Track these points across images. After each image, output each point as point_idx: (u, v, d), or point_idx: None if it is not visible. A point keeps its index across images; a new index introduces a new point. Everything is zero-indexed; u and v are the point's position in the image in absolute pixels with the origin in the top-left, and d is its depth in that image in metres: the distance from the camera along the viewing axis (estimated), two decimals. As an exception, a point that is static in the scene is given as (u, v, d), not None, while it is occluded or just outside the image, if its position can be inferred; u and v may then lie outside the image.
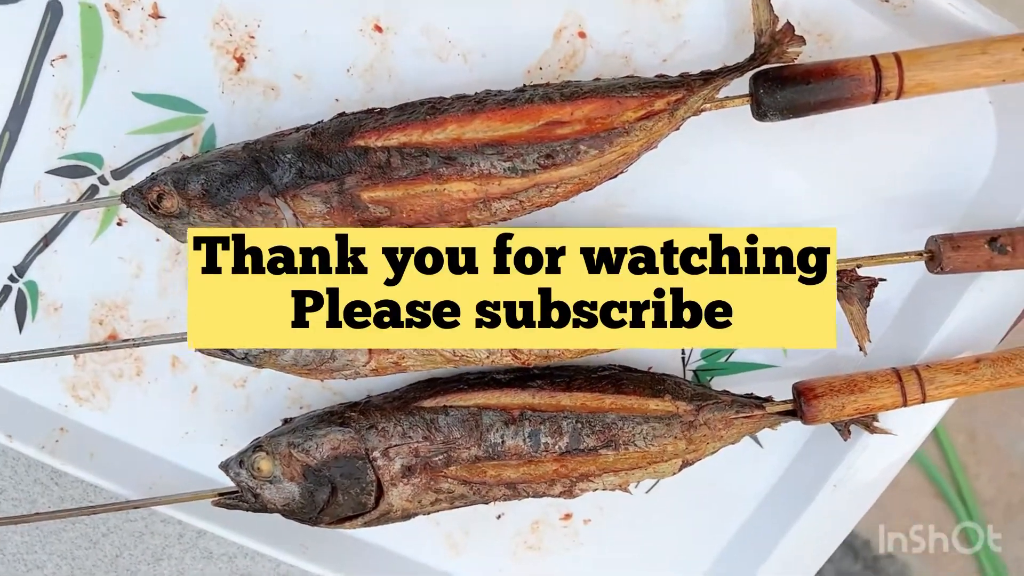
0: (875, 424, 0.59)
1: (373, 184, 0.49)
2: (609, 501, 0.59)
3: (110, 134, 0.57)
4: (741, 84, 0.50)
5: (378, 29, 0.55)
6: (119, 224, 0.60)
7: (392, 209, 0.52)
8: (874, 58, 0.50)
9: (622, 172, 0.51)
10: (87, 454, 0.59)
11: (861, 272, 0.53)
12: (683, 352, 0.62)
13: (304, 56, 0.53)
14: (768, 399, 0.57)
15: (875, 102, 0.50)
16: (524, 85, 0.50)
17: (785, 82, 0.47)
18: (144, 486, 0.61)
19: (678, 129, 0.50)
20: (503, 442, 0.54)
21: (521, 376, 0.55)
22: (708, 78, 0.49)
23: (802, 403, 0.55)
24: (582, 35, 0.55)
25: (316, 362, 0.55)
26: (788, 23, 0.51)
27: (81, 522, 0.68)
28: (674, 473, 0.58)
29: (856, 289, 0.53)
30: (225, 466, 0.55)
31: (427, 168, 0.48)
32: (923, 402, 0.56)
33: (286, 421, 0.57)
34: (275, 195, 0.50)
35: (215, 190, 0.52)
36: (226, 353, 0.53)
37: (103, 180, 0.58)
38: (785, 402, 0.56)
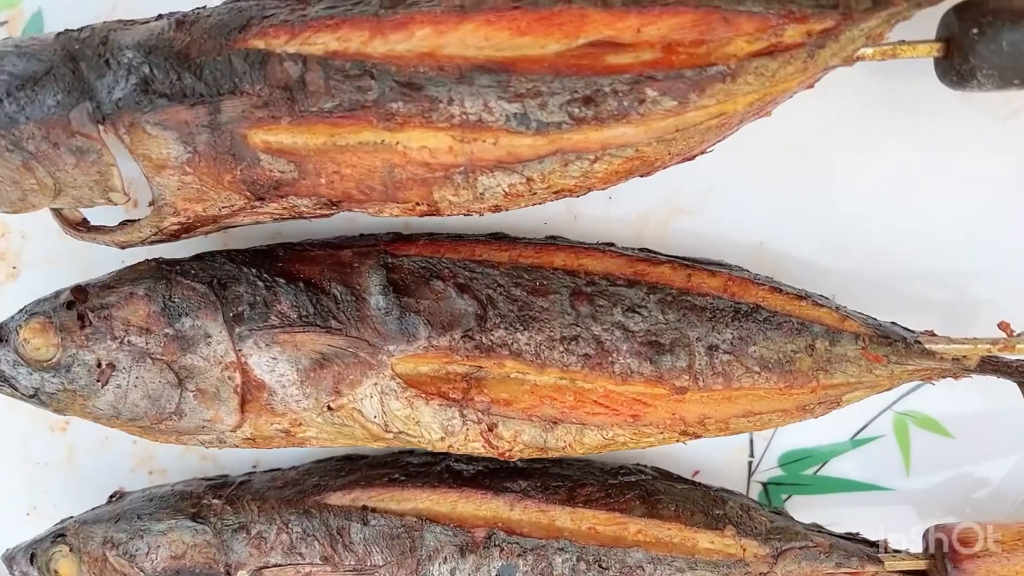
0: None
1: (271, 118, 0.31)
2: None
3: None
4: (926, 22, 0.32)
5: None
6: None
7: (302, 168, 0.31)
8: None
9: (705, 151, 0.29)
10: None
11: None
12: (750, 453, 0.41)
13: None
14: (883, 545, 0.39)
15: None
16: None
17: (1018, 18, 0.28)
18: None
19: (811, 87, 0.29)
20: None
21: (495, 470, 0.39)
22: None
23: (947, 564, 0.37)
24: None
25: (150, 416, 0.34)
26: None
27: None
28: (724, 648, 0.37)
29: None
30: (10, 559, 0.41)
31: (370, 99, 0.31)
32: None
33: (117, 495, 0.42)
34: (98, 120, 0.32)
35: (-7, 99, 0.30)
36: (3, 383, 0.36)
37: None
38: (915, 556, 0.39)
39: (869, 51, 0.31)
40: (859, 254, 0.40)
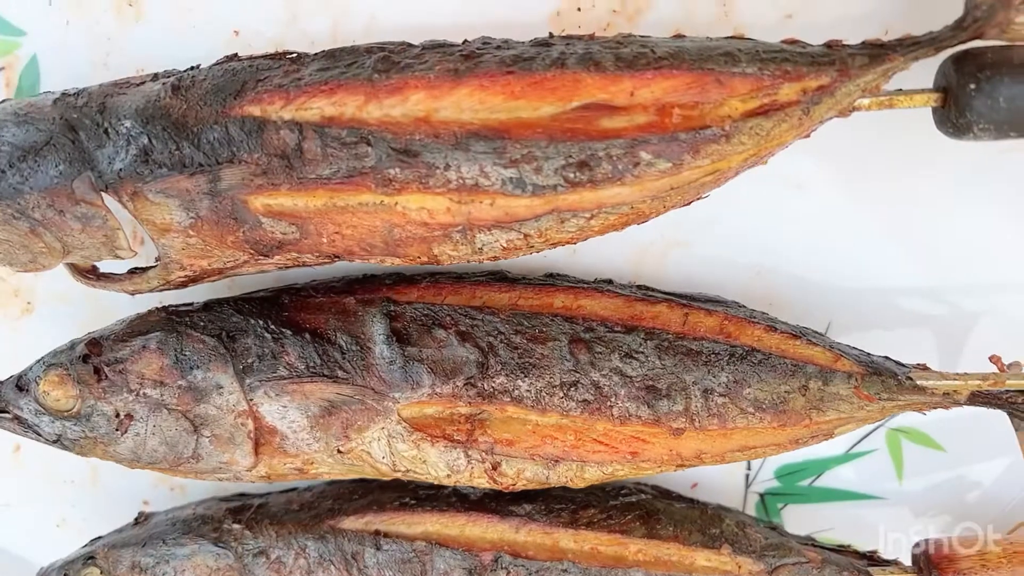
0: (1029, 607, 0.40)
1: (271, 185, 0.32)
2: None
3: None
4: (924, 71, 0.32)
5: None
6: None
7: (303, 229, 0.32)
8: None
9: (701, 198, 0.29)
10: None
11: None
12: (748, 466, 0.42)
13: None
14: (874, 557, 0.41)
15: None
16: (551, 34, 0.32)
17: (1017, 75, 0.26)
18: None
19: (807, 136, 0.28)
20: None
21: (501, 494, 0.40)
22: (876, 54, 0.29)
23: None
24: (655, -41, 0.34)
25: (169, 460, 0.36)
26: (1031, -32, 0.29)
27: None
28: (721, 655, 0.39)
29: None
30: None
31: (368, 166, 0.31)
32: None
33: (141, 517, 0.44)
34: (101, 189, 0.32)
35: (-2, 170, 0.30)
36: (27, 430, 0.38)
37: None
38: (904, 569, 0.40)
39: (866, 101, 0.31)
40: (854, 274, 0.41)
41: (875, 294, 0.41)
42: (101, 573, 0.41)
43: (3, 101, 0.34)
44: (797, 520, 0.45)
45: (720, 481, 0.44)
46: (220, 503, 0.43)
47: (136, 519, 0.44)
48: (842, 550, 0.42)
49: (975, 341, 0.42)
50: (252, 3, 0.36)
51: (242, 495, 0.44)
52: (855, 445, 0.43)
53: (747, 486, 0.44)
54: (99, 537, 0.43)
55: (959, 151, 0.37)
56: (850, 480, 0.45)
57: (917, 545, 0.41)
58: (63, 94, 0.33)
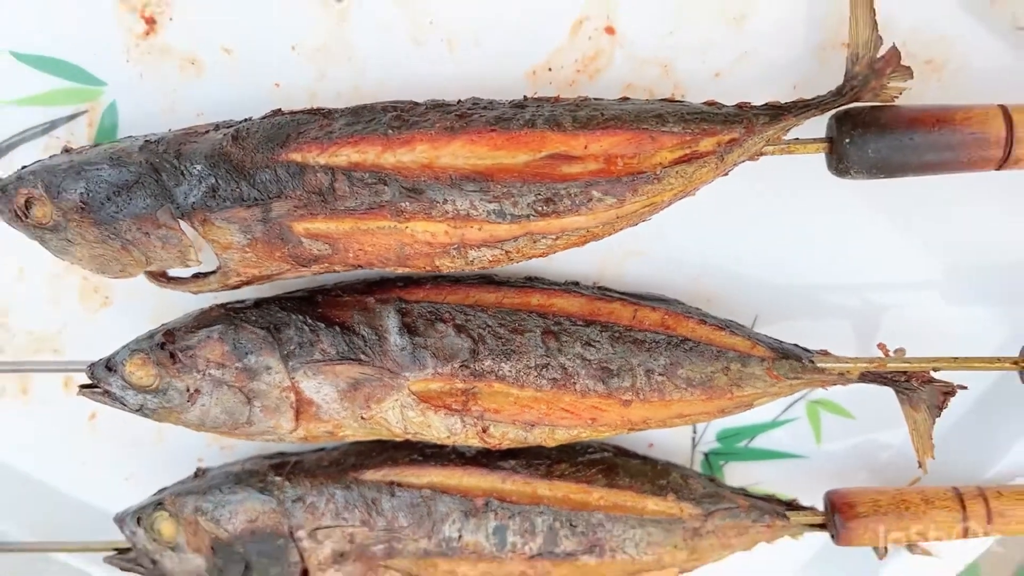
0: (919, 544, 0.48)
1: (310, 214, 0.38)
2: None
3: None
4: (816, 125, 0.40)
5: (336, -4, 0.42)
6: None
7: (335, 247, 0.40)
8: (1005, 109, 0.36)
9: (644, 221, 0.38)
10: (-38, 481, 0.53)
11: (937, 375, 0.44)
12: (694, 430, 0.51)
13: (236, 24, 0.43)
14: (793, 504, 0.50)
15: (998, 169, 0.37)
16: (525, 97, 0.40)
17: (881, 131, 0.36)
18: (30, 520, 0.54)
19: (726, 175, 0.36)
20: (460, 536, 0.47)
21: (491, 452, 0.47)
22: (776, 114, 0.37)
23: (837, 520, 0.46)
24: (610, 31, 0.42)
25: (228, 425, 0.44)
26: (895, 49, 0.37)
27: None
28: (667, 580, 0.48)
29: (926, 395, 0.42)
30: (121, 520, 0.49)
31: (384, 200, 0.38)
32: (986, 536, 0.45)
33: (199, 473, 0.51)
34: (178, 216, 0.40)
35: (99, 203, 0.39)
36: (114, 401, 0.45)
37: None
38: (815, 512, 0.49)
39: (770, 148, 0.39)
40: (777, 274, 0.47)
41: (796, 291, 0.48)
42: (169, 516, 0.47)
43: (96, 145, 0.41)
44: (736, 475, 0.53)
45: (672, 442, 0.52)
46: (264, 460, 0.49)
47: (195, 473, 0.50)
48: (768, 498, 0.49)
49: (883, 329, 0.49)
50: (289, 63, 0.43)
51: (281, 454, 0.50)
52: (782, 413, 0.51)
53: (694, 447, 0.52)
54: (164, 488, 0.49)
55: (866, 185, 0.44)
56: (779, 442, 0.52)
57: (827, 494, 0.50)
58: (146, 141, 0.40)
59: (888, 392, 0.45)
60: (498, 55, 0.42)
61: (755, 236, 0.47)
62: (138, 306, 0.50)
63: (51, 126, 0.45)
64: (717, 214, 0.46)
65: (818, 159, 0.41)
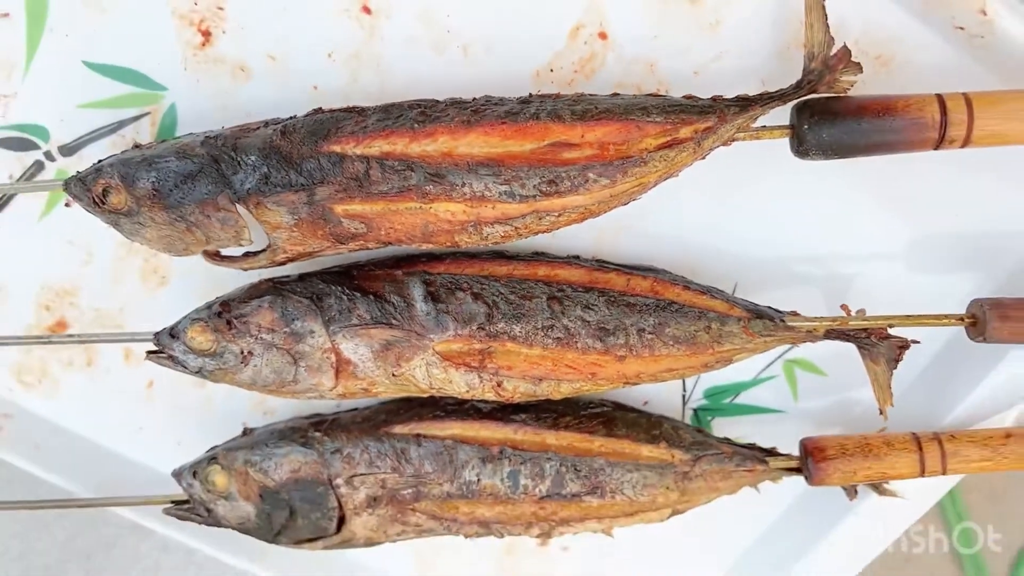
0: (885, 487, 0.54)
1: (348, 197, 0.43)
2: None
3: (58, 106, 0.51)
4: (782, 113, 0.44)
5: (366, 11, 0.48)
6: (67, 205, 0.54)
7: (369, 226, 0.46)
8: (940, 98, 0.42)
9: (634, 200, 0.44)
10: (33, 445, 0.57)
11: (893, 331, 0.47)
12: (684, 388, 0.57)
13: (280, 35, 0.48)
14: (772, 451, 0.55)
15: (935, 149, 0.43)
16: (530, 95, 0.44)
17: (834, 118, 0.41)
18: (93, 481, 0.59)
19: (703, 159, 0.42)
20: (479, 480, 0.51)
21: (504, 407, 0.52)
22: (745, 105, 0.43)
23: (810, 463, 0.51)
24: (603, 36, 0.48)
25: (276, 384, 0.50)
26: (845, 47, 0.43)
27: (31, 503, 0.64)
28: (661, 521, 0.54)
29: (884, 349, 0.47)
30: (178, 474, 0.53)
31: (411, 184, 0.42)
32: (942, 475, 0.51)
33: (246, 431, 0.54)
34: (235, 201, 0.43)
35: (168, 190, 0.45)
36: (177, 364, 0.49)
37: (49, 156, 0.53)
38: (790, 458, 0.54)
39: (741, 135, 0.45)
40: (755, 246, 0.52)
41: (770, 262, 0.52)
42: (222, 468, 0.51)
43: (163, 141, 0.46)
44: (722, 430, 0.57)
45: (665, 399, 0.57)
46: (304, 419, 0.53)
47: (243, 432, 0.53)
48: (750, 446, 0.54)
49: (850, 295, 0.54)
50: (326, 67, 0.48)
51: (319, 414, 0.53)
52: (762, 371, 0.56)
53: (684, 403, 0.57)
54: (215, 446, 0.52)
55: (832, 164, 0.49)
56: (760, 399, 0.57)
57: (801, 441, 0.55)
58: (207, 137, 0.45)
59: (855, 352, 0.50)
60: (507, 59, 0.48)
61: (732, 214, 0.51)
62: (191, 285, 0.54)
63: (118, 126, 0.51)
64: (699, 195, 0.50)
65: (783, 144, 0.45)
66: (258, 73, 0.49)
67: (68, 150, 0.52)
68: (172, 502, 0.54)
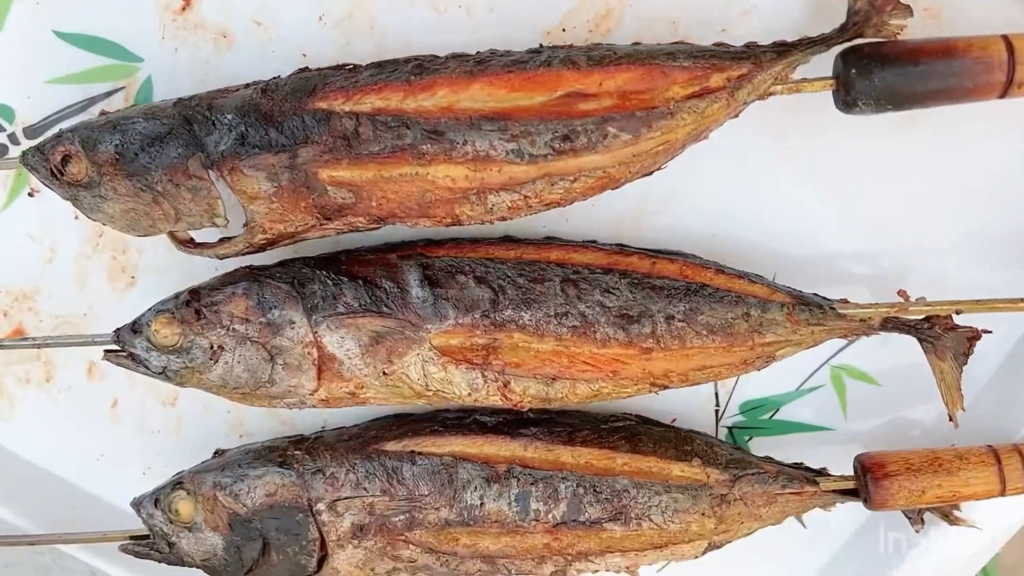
0: (956, 514, 0.47)
1: (335, 160, 0.40)
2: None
3: (25, 82, 0.48)
4: (824, 63, 0.41)
5: (360, -33, 0.45)
6: (31, 195, 0.50)
7: (358, 195, 0.41)
8: (1006, 38, 0.38)
9: (659, 168, 0.39)
10: (-21, 474, 0.52)
11: (960, 319, 0.43)
12: (716, 403, 0.50)
13: None
14: (822, 472, 0.48)
15: (1003, 96, 0.38)
16: (540, 45, 0.42)
17: (885, 62, 0.38)
18: (48, 517, 0.53)
19: (736, 116, 0.39)
20: (482, 504, 0.45)
21: (512, 420, 0.47)
22: (783, 51, 0.39)
23: (868, 482, 0.44)
24: (620, -9, 0.44)
25: (250, 385, 0.44)
26: (894, -16, 0.39)
27: (-23, 551, 0.60)
28: (696, 556, 0.46)
29: (951, 341, 0.42)
30: (137, 504, 0.48)
31: (406, 143, 0.39)
32: (1027, 493, 0.43)
33: (218, 452, 0.50)
34: (208, 166, 0.41)
35: (132, 154, 0.41)
36: (139, 364, 0.45)
37: (13, 139, 0.49)
38: (845, 478, 0.47)
39: (779, 87, 0.41)
40: (795, 240, 0.48)
41: (813, 251, 0.48)
42: (188, 494, 0.46)
43: (133, 105, 0.44)
44: (762, 452, 0.50)
45: (696, 416, 0.51)
46: (284, 439, 0.49)
47: (215, 454, 0.49)
48: (796, 466, 0.48)
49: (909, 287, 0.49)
50: (316, 32, 0.45)
51: (301, 435, 0.49)
52: (805, 381, 0.50)
53: (717, 420, 0.51)
54: (182, 470, 0.48)
55: (883, 140, 0.45)
56: (804, 415, 0.51)
57: (856, 457, 0.48)
58: (179, 99, 0.42)
59: (914, 356, 0.45)
60: (513, 18, 0.45)
61: (771, 195, 0.47)
62: (162, 285, 0.50)
63: (89, 103, 0.48)
64: (729, 179, 0.47)
65: (831, 120, 0.42)
66: (242, 40, 0.46)
67: (34, 131, 0.49)
68: (130, 538, 0.48)
